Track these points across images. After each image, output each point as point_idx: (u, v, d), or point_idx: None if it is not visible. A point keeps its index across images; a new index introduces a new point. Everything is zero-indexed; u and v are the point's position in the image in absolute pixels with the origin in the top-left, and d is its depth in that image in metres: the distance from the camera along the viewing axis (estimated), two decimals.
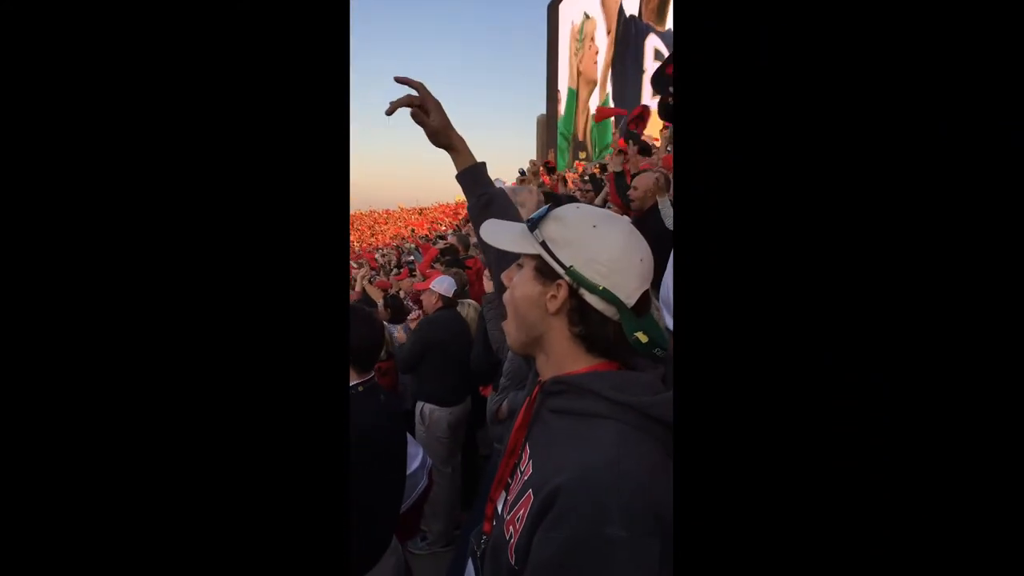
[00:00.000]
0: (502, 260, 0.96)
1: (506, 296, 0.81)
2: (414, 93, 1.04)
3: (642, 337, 0.69)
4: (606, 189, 3.89)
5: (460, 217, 13.26)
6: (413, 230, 18.15)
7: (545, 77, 19.38)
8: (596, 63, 16.76)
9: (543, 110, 20.26)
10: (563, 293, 0.72)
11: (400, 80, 1.04)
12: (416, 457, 1.89)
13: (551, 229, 0.75)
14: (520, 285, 0.77)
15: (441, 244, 5.47)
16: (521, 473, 0.73)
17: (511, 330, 0.80)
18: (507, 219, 1.02)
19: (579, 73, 17.61)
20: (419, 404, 2.97)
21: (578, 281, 0.71)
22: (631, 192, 2.93)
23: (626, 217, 0.79)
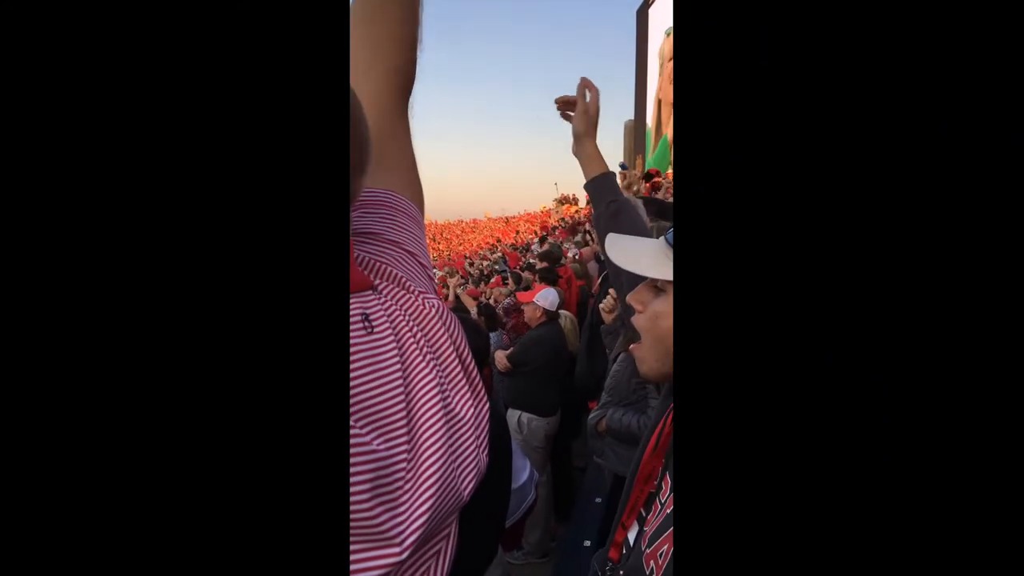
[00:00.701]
0: (634, 277, 0.94)
1: (642, 322, 0.74)
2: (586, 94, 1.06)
3: None
4: None
5: (547, 227, 13.31)
6: (500, 239, 18.44)
7: (634, 82, 19.06)
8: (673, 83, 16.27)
9: (631, 115, 19.93)
10: None
11: (584, 84, 1.08)
12: (524, 469, 1.92)
13: None
14: (668, 315, 0.71)
15: (538, 250, 5.51)
16: (662, 505, 0.71)
17: (648, 358, 0.74)
18: (638, 233, 0.97)
19: (659, 102, 17.19)
20: (515, 413, 3.02)
21: None
22: None
23: None
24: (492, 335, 3.83)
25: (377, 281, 0.57)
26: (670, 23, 17.29)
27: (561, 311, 3.11)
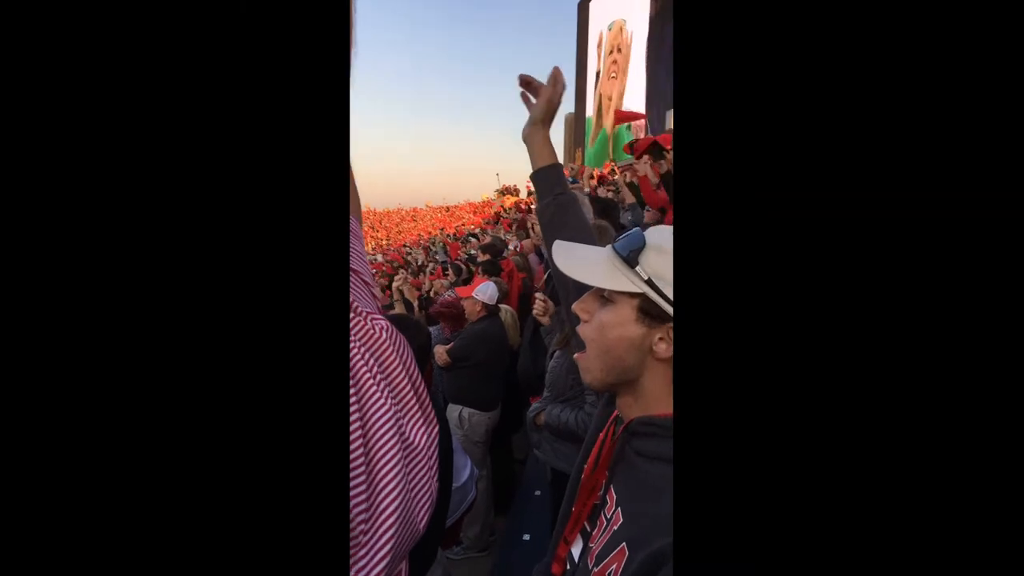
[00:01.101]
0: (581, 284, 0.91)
1: (588, 332, 0.71)
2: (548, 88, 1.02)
3: None
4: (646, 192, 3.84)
5: (487, 216, 13.27)
6: (443, 229, 18.25)
7: (575, 75, 19.26)
8: (614, 78, 16.64)
9: (571, 109, 20.15)
10: None
11: (525, 80, 1.03)
12: (465, 467, 1.89)
13: (656, 264, 0.66)
14: (616, 326, 0.68)
15: (477, 242, 5.46)
16: (608, 520, 0.68)
17: (593, 368, 0.71)
18: (582, 230, 0.96)
19: (600, 96, 17.49)
20: (456, 408, 2.99)
21: None
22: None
23: None
24: (433, 329, 3.78)
25: None
26: (611, 18, 17.56)
27: (501, 305, 3.09)
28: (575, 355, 0.76)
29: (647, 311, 0.67)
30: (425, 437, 0.54)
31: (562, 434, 1.79)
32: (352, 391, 0.48)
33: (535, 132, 1.02)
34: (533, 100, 1.04)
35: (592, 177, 8.67)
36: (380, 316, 0.57)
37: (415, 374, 0.56)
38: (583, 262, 0.74)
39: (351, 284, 0.59)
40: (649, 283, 0.66)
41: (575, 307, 0.74)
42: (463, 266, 5.22)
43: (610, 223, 2.56)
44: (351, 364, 0.50)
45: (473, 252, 5.30)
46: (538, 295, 2.18)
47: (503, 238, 6.77)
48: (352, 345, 0.51)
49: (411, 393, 0.55)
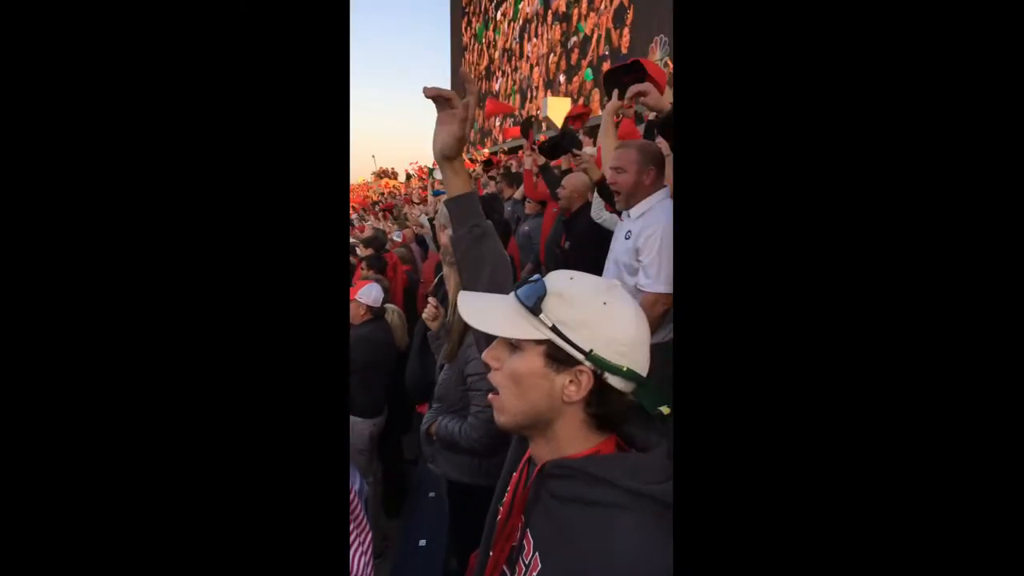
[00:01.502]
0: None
1: (499, 379, 0.73)
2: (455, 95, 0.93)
3: (665, 410, 0.67)
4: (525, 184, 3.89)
5: (366, 203, 12.73)
6: None
7: (449, 58, 18.98)
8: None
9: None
10: (586, 380, 0.68)
11: (430, 93, 0.93)
12: (354, 483, 1.81)
13: (559, 310, 0.69)
14: (527, 374, 0.70)
15: (361, 236, 5.19)
16: (527, 567, 0.70)
17: (508, 409, 0.72)
18: (499, 262, 0.95)
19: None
20: None
21: (600, 366, 0.67)
22: (560, 191, 2.97)
23: (617, 282, 0.75)
24: None
25: None
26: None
27: (387, 304, 2.98)
28: (489, 396, 0.76)
29: (554, 356, 0.69)
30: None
31: (451, 446, 1.78)
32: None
33: (451, 157, 0.96)
34: (444, 107, 0.96)
35: (475, 161, 8.56)
36: None
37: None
38: (489, 313, 0.75)
39: None
40: (554, 329, 0.69)
41: (485, 356, 0.76)
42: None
43: (493, 221, 2.54)
44: None
45: (352, 242, 5.02)
46: (430, 299, 2.13)
47: (383, 228, 6.53)
48: None
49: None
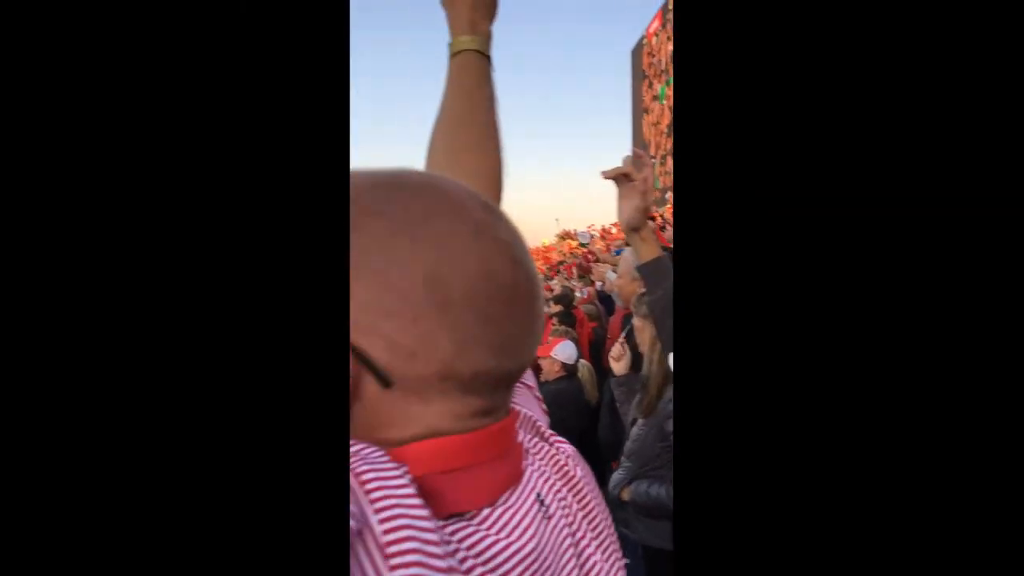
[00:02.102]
0: None
1: None
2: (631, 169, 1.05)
3: None
4: None
5: (552, 262, 13.34)
6: None
7: (631, 127, 19.43)
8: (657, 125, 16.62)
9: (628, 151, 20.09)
10: None
11: (609, 175, 1.05)
12: None
13: None
14: None
15: (551, 294, 5.48)
16: None
17: None
18: None
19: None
20: None
21: None
22: None
23: None
24: None
25: (522, 434, 0.48)
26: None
27: (581, 362, 3.07)
28: None
29: None
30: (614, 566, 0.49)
31: (654, 512, 1.73)
32: (572, 547, 0.45)
33: (639, 222, 1.07)
34: (626, 180, 1.07)
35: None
36: (560, 438, 0.52)
37: (600, 497, 0.51)
38: None
39: (524, 395, 0.55)
40: None
41: None
42: None
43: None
44: (569, 515, 0.46)
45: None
46: (620, 341, 2.13)
47: (570, 285, 6.78)
48: (557, 482, 0.48)
49: (606, 522, 0.50)
